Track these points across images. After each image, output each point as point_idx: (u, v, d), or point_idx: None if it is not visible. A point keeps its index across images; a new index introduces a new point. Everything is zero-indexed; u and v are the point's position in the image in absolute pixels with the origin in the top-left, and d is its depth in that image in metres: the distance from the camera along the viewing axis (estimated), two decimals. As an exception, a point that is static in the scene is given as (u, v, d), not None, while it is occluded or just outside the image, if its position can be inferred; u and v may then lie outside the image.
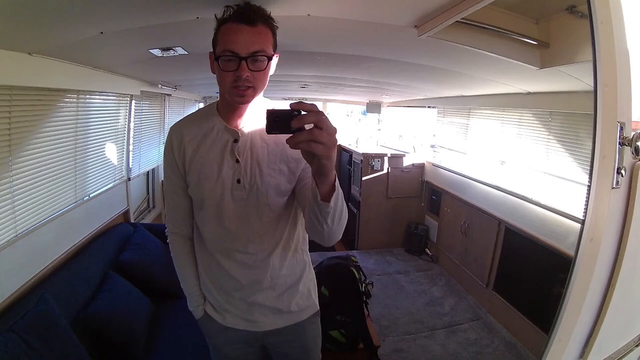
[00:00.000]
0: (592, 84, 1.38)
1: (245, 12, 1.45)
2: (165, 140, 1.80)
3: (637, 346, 2.26)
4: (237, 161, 1.64)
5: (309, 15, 2.17)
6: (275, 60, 1.58)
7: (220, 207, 1.67)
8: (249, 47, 1.44)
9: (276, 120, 1.16)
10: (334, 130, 1.17)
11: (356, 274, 3.12)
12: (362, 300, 3.08)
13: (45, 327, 2.28)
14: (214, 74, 1.55)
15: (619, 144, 1.41)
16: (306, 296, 1.92)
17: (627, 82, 1.49)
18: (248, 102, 1.57)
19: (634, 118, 1.57)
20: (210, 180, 1.66)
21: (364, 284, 3.15)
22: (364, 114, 8.76)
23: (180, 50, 2.96)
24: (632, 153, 1.41)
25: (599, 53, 1.36)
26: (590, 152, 1.42)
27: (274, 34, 1.55)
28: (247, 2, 1.52)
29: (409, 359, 4.06)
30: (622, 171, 1.43)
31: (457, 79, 4.22)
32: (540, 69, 2.78)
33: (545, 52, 2.69)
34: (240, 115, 1.66)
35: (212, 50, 1.55)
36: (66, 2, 1.84)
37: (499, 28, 2.47)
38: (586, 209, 1.43)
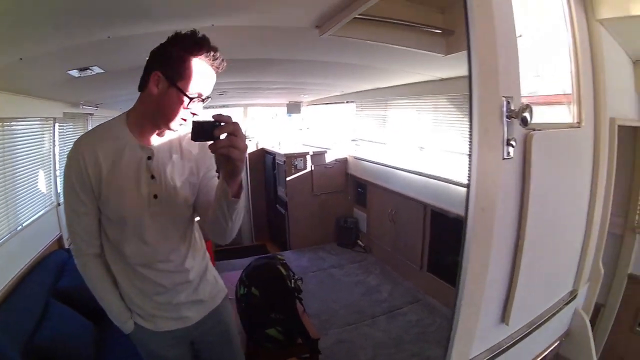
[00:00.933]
0: (467, 64, 1.52)
1: (221, 63, 1.64)
2: (69, 159, 1.68)
3: (568, 303, 2.47)
4: (153, 177, 1.72)
5: (212, 25, 2.29)
6: None
7: (140, 223, 1.72)
8: (208, 91, 1.65)
9: (201, 130, 1.39)
10: (245, 138, 1.43)
11: (283, 271, 3.17)
12: (294, 296, 3.15)
13: None
14: (153, 93, 1.61)
15: (507, 117, 1.58)
16: (214, 284, 2.09)
17: (514, 60, 1.66)
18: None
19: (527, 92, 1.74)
20: (130, 197, 1.69)
21: (292, 280, 3.23)
22: (289, 115, 8.83)
23: (97, 69, 2.99)
24: (520, 125, 1.57)
25: (473, 33, 1.49)
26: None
27: None
28: (209, 41, 1.62)
29: (354, 348, 4.17)
30: (513, 142, 1.60)
31: (370, 72, 4.39)
32: (446, 55, 2.95)
33: (451, 40, 2.85)
34: (152, 134, 1.73)
35: (158, 70, 1.59)
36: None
37: (401, 21, 2.61)
38: (469, 181, 1.54)
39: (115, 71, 3.16)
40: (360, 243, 7.11)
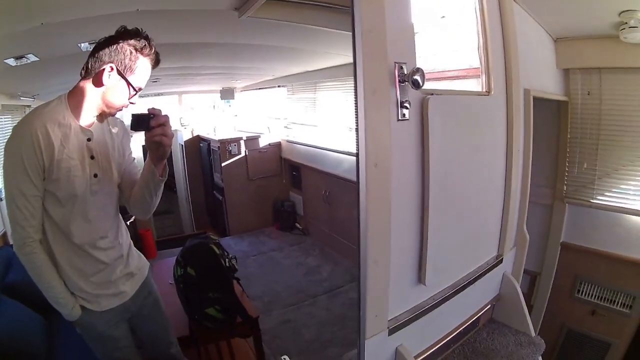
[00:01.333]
0: (351, 30, 1.60)
1: (158, 61, 1.85)
2: (17, 140, 1.66)
3: (494, 266, 2.59)
4: (92, 157, 1.82)
5: (138, 10, 2.31)
6: None
7: (84, 201, 1.80)
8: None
9: (139, 121, 1.62)
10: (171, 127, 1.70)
11: (217, 250, 3.18)
12: (229, 274, 3.17)
13: None
14: (103, 84, 1.72)
15: (400, 81, 1.69)
16: (138, 257, 2.21)
17: (408, 30, 1.77)
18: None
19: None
20: (77, 176, 1.75)
21: (227, 259, 3.25)
22: (227, 102, 8.76)
23: (32, 57, 2.99)
24: (412, 87, 1.68)
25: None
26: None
27: None
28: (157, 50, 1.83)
29: (298, 327, 4.25)
30: (407, 104, 1.71)
31: (297, 55, 4.46)
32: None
33: None
34: (92, 117, 1.81)
35: (112, 63, 1.72)
36: None
37: (315, 1, 2.68)
38: (358, 140, 1.63)
39: (50, 59, 3.16)
40: (298, 226, 7.20)
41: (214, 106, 9.16)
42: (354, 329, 3.72)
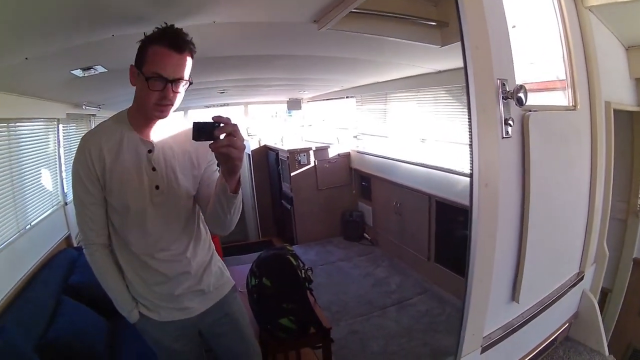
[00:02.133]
0: (461, 47, 1.57)
1: (177, 41, 1.63)
2: (77, 153, 1.79)
3: (575, 285, 2.49)
4: (154, 169, 1.80)
5: (214, 22, 2.34)
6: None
7: (142, 212, 1.80)
8: (175, 72, 1.64)
9: (201, 130, 1.46)
10: (243, 139, 1.50)
11: (293, 261, 3.18)
12: (305, 286, 3.16)
13: (10, 357, 2.29)
14: (133, 86, 1.71)
15: (503, 98, 1.63)
16: (219, 275, 2.12)
17: (506, 44, 1.72)
18: (166, 117, 1.75)
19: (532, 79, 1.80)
20: (131, 187, 1.77)
21: (303, 271, 3.23)
22: (288, 113, 8.84)
23: (100, 69, 3.03)
24: (516, 104, 1.63)
25: (465, 18, 1.54)
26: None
27: (192, 59, 1.72)
28: (176, 29, 1.66)
29: (365, 339, 4.19)
30: (511, 122, 1.65)
31: (368, 66, 4.40)
32: (442, 47, 2.98)
33: (445, 31, 2.87)
34: (152, 127, 1.81)
35: (133, 64, 1.69)
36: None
37: (397, 14, 2.65)
38: (472, 159, 1.62)
39: (118, 70, 3.12)
40: (366, 236, 7.15)
41: (275, 115, 9.27)
42: (422, 342, 3.68)
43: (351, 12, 2.30)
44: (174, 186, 1.84)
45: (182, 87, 1.70)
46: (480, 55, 1.58)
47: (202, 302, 2.04)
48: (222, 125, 1.45)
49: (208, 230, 2.11)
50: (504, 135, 1.68)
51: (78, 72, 3.03)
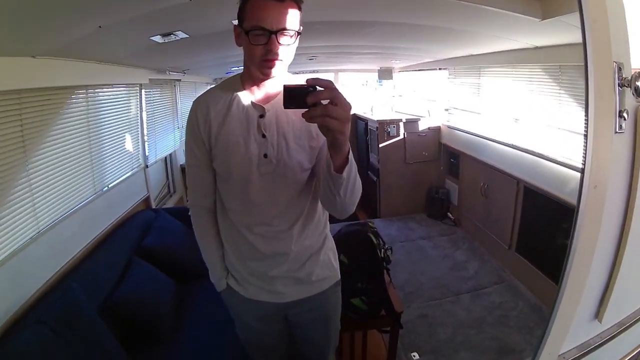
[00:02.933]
0: (580, 19, 1.30)
1: None
2: (188, 115, 1.76)
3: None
4: (264, 136, 1.65)
5: None
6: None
7: (247, 181, 1.69)
8: (278, 22, 1.46)
9: (292, 96, 1.24)
10: (348, 106, 1.26)
11: (374, 239, 3.08)
12: (382, 266, 3.06)
13: (73, 316, 2.35)
14: (239, 46, 1.58)
15: (618, 85, 1.34)
16: (327, 266, 1.96)
17: (621, 17, 1.41)
18: (275, 74, 1.59)
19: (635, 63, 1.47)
20: (237, 154, 1.66)
21: (382, 250, 3.13)
22: (379, 82, 8.66)
23: (181, 34, 2.99)
24: (634, 95, 1.34)
25: None
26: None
27: (300, 9, 1.54)
28: None
29: (434, 324, 4.10)
30: (625, 114, 1.36)
31: (462, 37, 4.14)
32: (542, 20, 2.72)
33: (547, 3, 2.63)
34: (265, 90, 1.69)
35: (236, 23, 1.57)
36: (61, 2, 1.87)
37: None
38: (585, 155, 1.35)
39: (200, 35, 3.17)
40: (450, 216, 6.93)
41: (365, 83, 9.10)
42: (490, 336, 3.50)
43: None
44: (284, 156, 1.68)
45: (291, 39, 1.53)
46: (597, 30, 1.30)
47: (298, 290, 1.91)
48: (317, 89, 1.23)
49: (326, 214, 1.95)
50: (617, 130, 1.41)
51: (157, 39, 3.02)
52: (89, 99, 3.39)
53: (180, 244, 3.72)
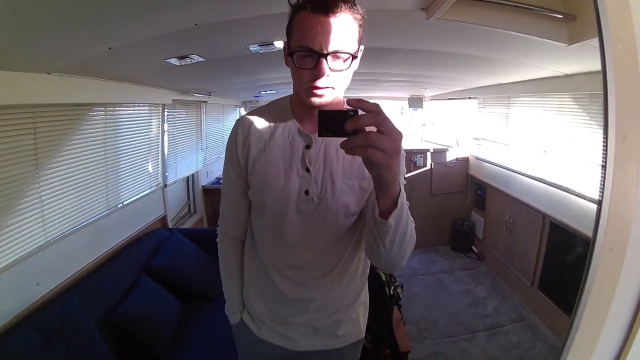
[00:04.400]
0: (598, 40, 1.04)
1: (320, 3, 1.23)
2: (229, 135, 1.60)
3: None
4: (308, 170, 1.47)
5: None
6: (360, 55, 1.38)
7: (282, 217, 1.52)
8: (328, 42, 1.23)
9: (329, 121, 1.05)
10: (399, 136, 1.03)
11: (383, 276, 3.03)
12: (390, 304, 2.99)
13: (67, 327, 2.40)
14: (288, 67, 1.37)
15: None
16: (354, 323, 1.78)
17: None
18: (326, 104, 1.35)
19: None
20: (274, 186, 1.49)
21: (392, 287, 3.06)
22: (414, 109, 8.62)
23: (197, 58, 2.97)
24: None
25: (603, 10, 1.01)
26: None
27: (360, 24, 1.31)
28: None
29: (447, 364, 3.97)
30: None
31: (489, 64, 4.05)
32: (569, 45, 2.58)
33: (573, 26, 2.49)
34: (310, 117, 1.47)
35: (285, 40, 1.37)
36: (71, 22, 1.88)
37: (514, 2, 2.29)
38: (600, 209, 1.12)
39: (217, 59, 3.15)
40: (474, 249, 6.79)
41: (401, 112, 9.05)
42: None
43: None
44: (328, 195, 1.47)
45: (345, 64, 1.29)
46: (622, 52, 0.99)
47: (314, 341, 1.72)
48: (358, 113, 1.01)
49: (367, 265, 1.77)
50: None
51: (174, 61, 3.01)
52: (108, 116, 3.43)
53: (189, 265, 3.73)
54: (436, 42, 3.14)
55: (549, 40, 2.60)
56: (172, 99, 4.59)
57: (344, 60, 1.28)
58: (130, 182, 3.92)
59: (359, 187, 1.49)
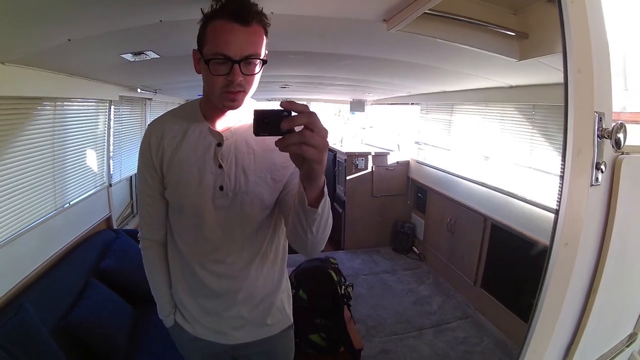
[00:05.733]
0: (563, 69, 1.25)
1: (239, 10, 1.30)
2: (141, 140, 1.62)
3: (627, 346, 2.23)
4: (220, 166, 1.53)
5: (272, 13, 2.12)
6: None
7: (200, 214, 1.57)
8: (242, 49, 1.32)
9: (265, 122, 1.10)
10: (326, 133, 1.11)
11: (335, 276, 3.07)
12: (342, 302, 3.04)
13: (25, 336, 2.31)
14: (199, 73, 1.43)
15: (598, 136, 1.30)
16: (280, 309, 1.86)
17: (606, 67, 1.38)
18: (239, 106, 1.44)
19: (615, 108, 1.44)
20: (189, 185, 1.55)
21: (343, 287, 3.11)
22: (352, 113, 8.73)
23: (152, 54, 2.95)
24: (613, 146, 1.31)
25: (570, 33, 1.23)
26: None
27: (267, 33, 1.41)
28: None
29: (396, 360, 4.04)
30: (602, 166, 1.33)
31: (437, 74, 4.19)
32: (520, 60, 2.72)
33: (524, 44, 2.63)
34: (225, 117, 1.55)
35: (196, 48, 1.43)
36: (30, 11, 1.82)
37: (473, 19, 2.40)
38: (558, 211, 1.30)
39: (171, 57, 3.12)
40: (415, 250, 6.93)
41: (338, 114, 9.15)
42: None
43: (424, 13, 2.08)
44: (242, 189, 1.55)
45: (255, 68, 1.39)
46: (581, 81, 1.25)
47: (247, 333, 1.79)
48: (292, 114, 1.08)
49: (285, 252, 1.85)
50: (593, 183, 1.34)
51: (129, 57, 2.97)
52: (57, 111, 3.32)
53: (138, 268, 3.52)
54: (390, 51, 3.21)
55: (500, 55, 2.71)
56: (120, 95, 4.48)
57: (255, 65, 1.39)
58: (77, 180, 3.80)
59: (271, 179, 1.58)
